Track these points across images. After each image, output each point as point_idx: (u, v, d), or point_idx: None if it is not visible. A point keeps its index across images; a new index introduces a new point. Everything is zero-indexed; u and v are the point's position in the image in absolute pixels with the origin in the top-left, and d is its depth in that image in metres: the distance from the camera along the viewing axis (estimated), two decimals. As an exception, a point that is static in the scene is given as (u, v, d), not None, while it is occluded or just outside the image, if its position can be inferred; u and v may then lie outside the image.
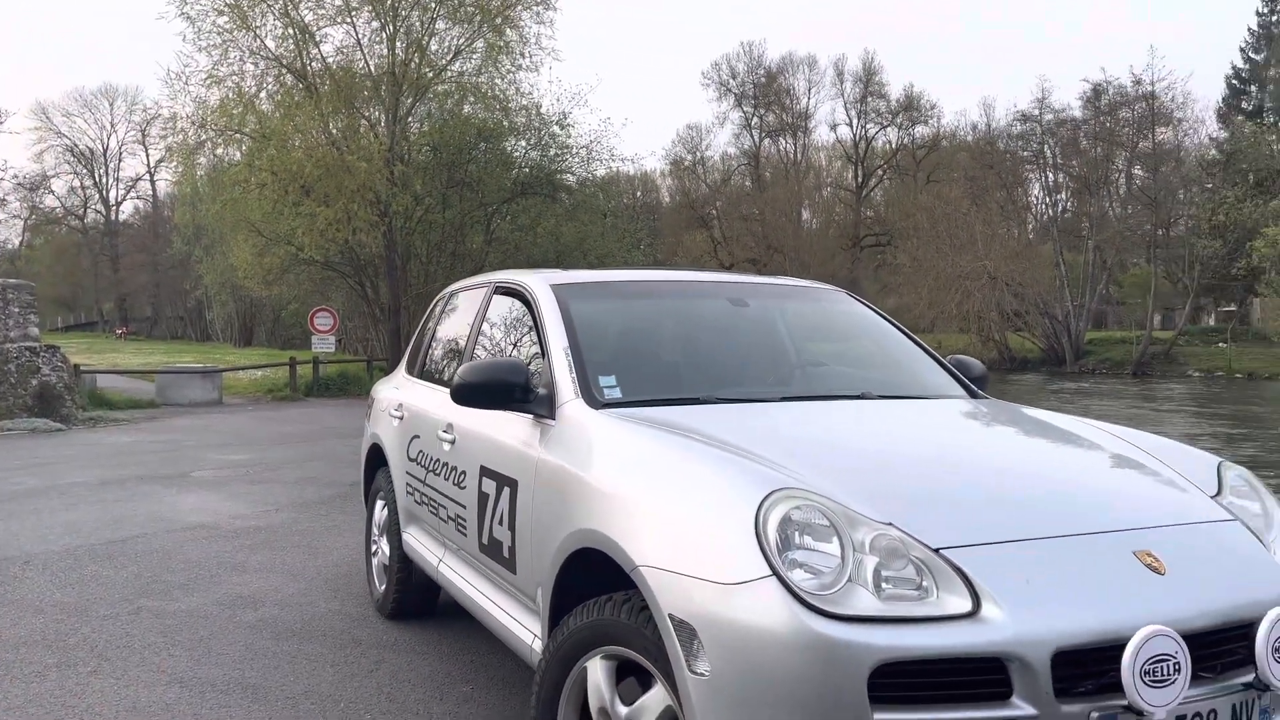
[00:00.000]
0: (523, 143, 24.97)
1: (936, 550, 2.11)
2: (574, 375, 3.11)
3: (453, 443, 3.77)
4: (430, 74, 22.56)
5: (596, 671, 2.50)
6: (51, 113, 68.57)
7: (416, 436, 4.30)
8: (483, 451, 3.47)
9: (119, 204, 74.85)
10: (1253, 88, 50.03)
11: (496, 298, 4.01)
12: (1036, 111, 45.48)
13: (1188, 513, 2.46)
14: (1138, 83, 41.31)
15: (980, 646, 1.97)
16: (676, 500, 2.37)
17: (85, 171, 71.65)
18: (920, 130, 59.12)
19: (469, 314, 4.29)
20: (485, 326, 4.04)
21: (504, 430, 3.36)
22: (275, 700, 3.71)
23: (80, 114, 69.83)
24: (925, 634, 1.98)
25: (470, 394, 3.12)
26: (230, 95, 21.36)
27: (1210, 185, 41.33)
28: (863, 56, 69.89)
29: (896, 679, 1.95)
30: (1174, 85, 44.42)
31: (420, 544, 4.23)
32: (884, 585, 2.04)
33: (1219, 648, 2.12)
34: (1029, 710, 1.95)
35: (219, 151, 23.01)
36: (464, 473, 3.60)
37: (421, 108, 23.61)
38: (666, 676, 2.28)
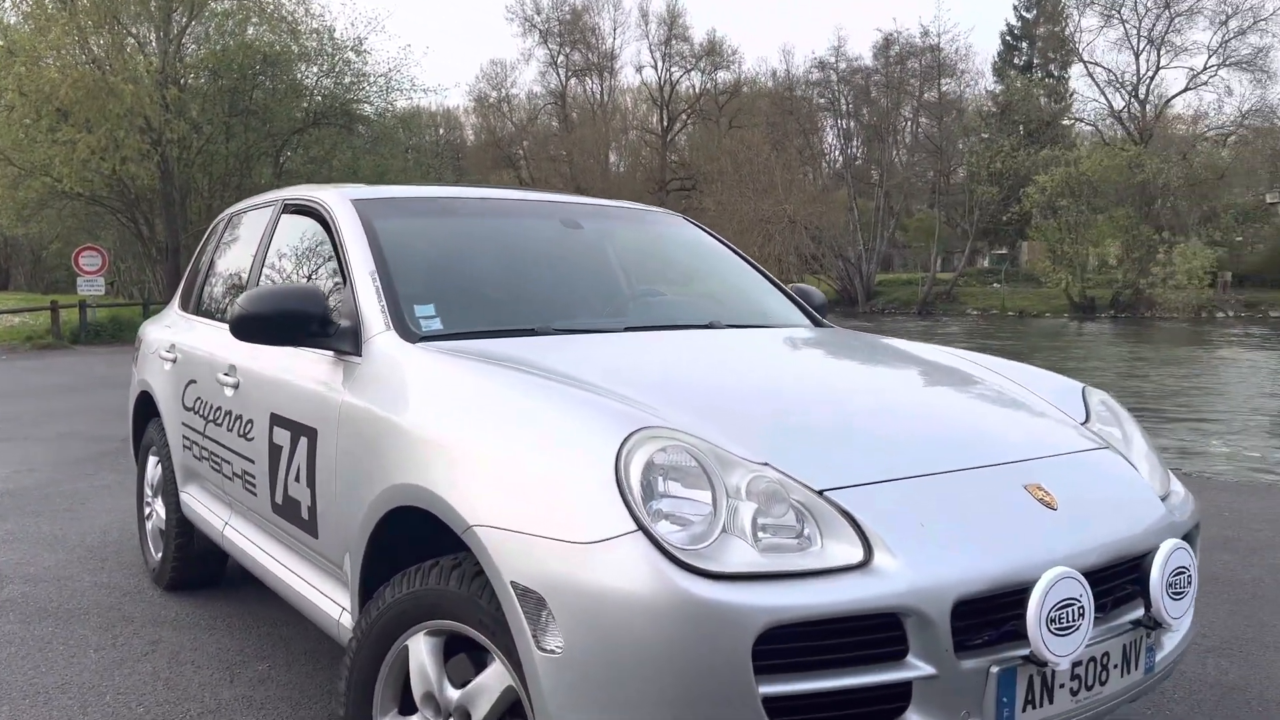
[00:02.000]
0: (314, 69, 23.28)
1: (820, 492, 1.83)
2: (383, 304, 2.64)
3: (236, 387, 3.22)
4: (206, -11, 20.56)
5: (420, 650, 2.11)
6: None
7: (193, 381, 3.69)
8: (273, 396, 2.95)
9: None
10: (1024, 44, 53.38)
11: (286, 218, 3.45)
12: (833, 60, 46.91)
13: (1066, 443, 2.31)
14: (925, 34, 43.28)
15: (876, 601, 1.71)
16: (517, 446, 1.99)
17: None
18: (723, 76, 59.85)
19: (253, 239, 3.69)
20: (272, 253, 3.47)
21: (298, 371, 2.86)
22: (18, 695, 3.10)
23: None
24: (814, 590, 1.70)
25: (255, 327, 2.60)
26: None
27: (986, 135, 43.99)
28: (667, 1, 69.87)
29: (780, 644, 1.66)
30: (958, 38, 46.83)
31: (202, 505, 3.65)
32: (762, 535, 1.75)
33: (1110, 584, 1.96)
34: (927, 669, 1.72)
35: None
36: (250, 422, 3.07)
37: (199, 27, 21.52)
38: (507, 653, 1.92)
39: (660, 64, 60.01)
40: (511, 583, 1.82)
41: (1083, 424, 2.46)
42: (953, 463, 2.04)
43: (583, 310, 3.03)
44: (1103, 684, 1.92)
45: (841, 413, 2.25)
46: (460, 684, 2.06)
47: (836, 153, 52.34)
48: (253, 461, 3.06)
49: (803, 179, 45.80)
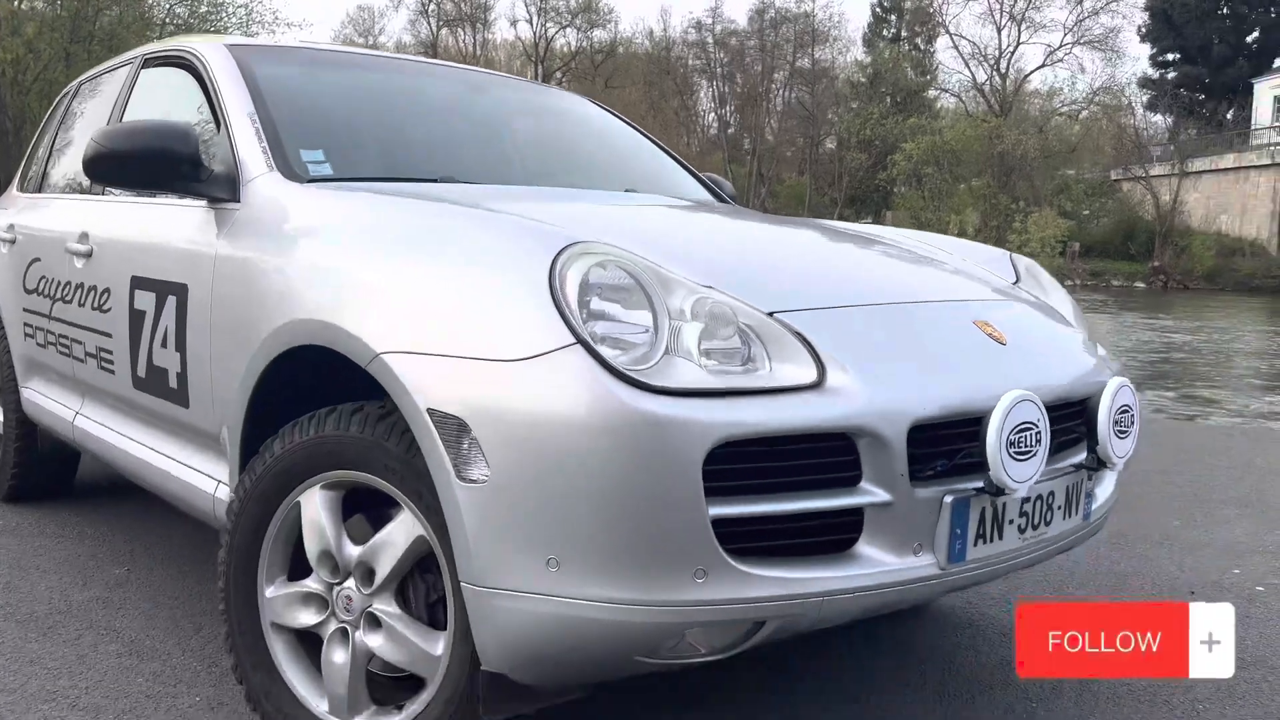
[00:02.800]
0: (167, -4, 21.78)
1: (770, 314, 1.68)
2: (265, 145, 2.35)
3: (89, 256, 2.86)
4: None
5: (315, 505, 1.87)
6: None
7: (36, 260, 3.28)
8: (133, 258, 2.62)
9: None
10: (893, 17, 54.71)
11: (147, 75, 3.07)
12: (710, 21, 47.00)
13: (1005, 292, 2.24)
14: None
15: (830, 421, 1.58)
16: (433, 267, 1.77)
17: None
18: (599, 34, 59.21)
19: (106, 103, 3.29)
20: (129, 115, 3.09)
21: (163, 227, 2.54)
22: None
23: None
24: (766, 407, 1.56)
25: (114, 167, 2.28)
26: None
27: (855, 104, 44.99)
28: (542, -45, 68.38)
29: (730, 464, 1.52)
30: (830, 4, 47.54)
31: (46, 398, 3.26)
32: (707, 360, 1.59)
33: (1057, 426, 1.89)
34: (881, 495, 1.61)
35: None
36: (107, 291, 2.73)
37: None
38: (418, 498, 1.72)
39: (535, 19, 58.92)
40: (428, 410, 1.61)
41: (1014, 284, 2.40)
42: (902, 295, 1.94)
43: (491, 168, 2.79)
44: (1047, 524, 1.86)
45: (784, 253, 2.12)
46: (362, 541, 1.84)
47: (712, 116, 52.67)
48: (109, 335, 2.72)
49: (680, 141, 45.88)
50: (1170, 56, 49.62)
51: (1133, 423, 1.95)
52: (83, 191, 3.18)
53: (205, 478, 2.33)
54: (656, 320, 1.59)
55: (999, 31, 43.21)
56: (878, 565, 1.62)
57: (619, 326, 1.59)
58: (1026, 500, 1.79)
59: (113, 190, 2.99)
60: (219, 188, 2.33)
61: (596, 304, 1.60)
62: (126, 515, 3.62)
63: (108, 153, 2.26)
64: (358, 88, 2.84)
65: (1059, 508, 1.88)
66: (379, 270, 1.83)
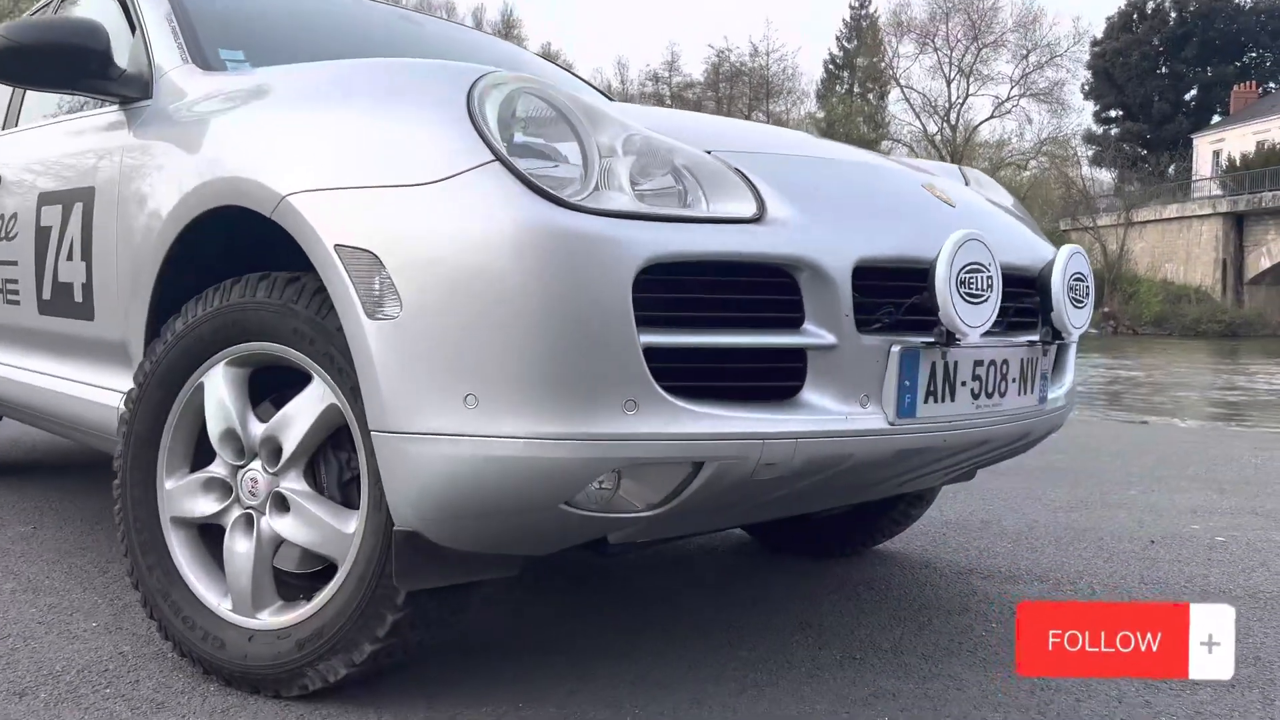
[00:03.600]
0: None
1: (708, 152, 1.59)
2: (181, 42, 2.24)
3: (-1, 186, 2.70)
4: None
5: (218, 385, 1.73)
6: None
7: (-54, 206, 3.11)
8: (42, 176, 2.48)
9: None
10: (845, 73, 55.98)
11: (68, 10, 2.94)
12: (666, 74, 47.77)
13: (954, 177, 2.17)
14: (755, 53, 44.69)
15: (769, 251, 1.48)
16: (343, 109, 1.66)
17: None
18: (557, 87, 59.75)
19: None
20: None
21: (72, 141, 2.41)
22: None
23: None
24: (701, 234, 1.46)
25: (19, 61, 2.14)
26: None
27: (811, 156, 45.67)
28: (502, 9, 69.43)
29: (661, 295, 1.41)
30: (785, 58, 48.59)
31: (-47, 353, 3.07)
32: (640, 200, 1.48)
33: (1010, 303, 1.79)
34: (826, 337, 1.50)
35: None
36: (14, 216, 2.57)
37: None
38: (327, 362, 1.59)
39: (495, 72, 59.40)
40: (335, 247, 1.49)
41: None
42: (848, 155, 1.85)
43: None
44: (1001, 395, 1.76)
45: (726, 124, 2.02)
46: (267, 419, 1.70)
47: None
48: (15, 264, 2.55)
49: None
50: (1113, 113, 51.22)
51: (1088, 293, 1.88)
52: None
53: (111, 393, 2.16)
54: (586, 154, 1.48)
55: (949, 84, 44.39)
56: (822, 413, 1.51)
57: (544, 161, 1.48)
58: (979, 364, 1.70)
59: (26, 123, 2.86)
60: (131, 87, 2.20)
61: (520, 137, 1.50)
62: (40, 483, 3.42)
63: (14, 46, 2.12)
64: (283, 6, 2.74)
65: (1014, 380, 1.79)
66: (288, 122, 1.72)
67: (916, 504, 2.67)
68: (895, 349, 1.56)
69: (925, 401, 1.61)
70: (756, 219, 1.50)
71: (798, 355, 1.51)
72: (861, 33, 53.80)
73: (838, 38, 57.16)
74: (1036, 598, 2.42)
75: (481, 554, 1.55)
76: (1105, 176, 47.71)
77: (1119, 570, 2.70)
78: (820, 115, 49.43)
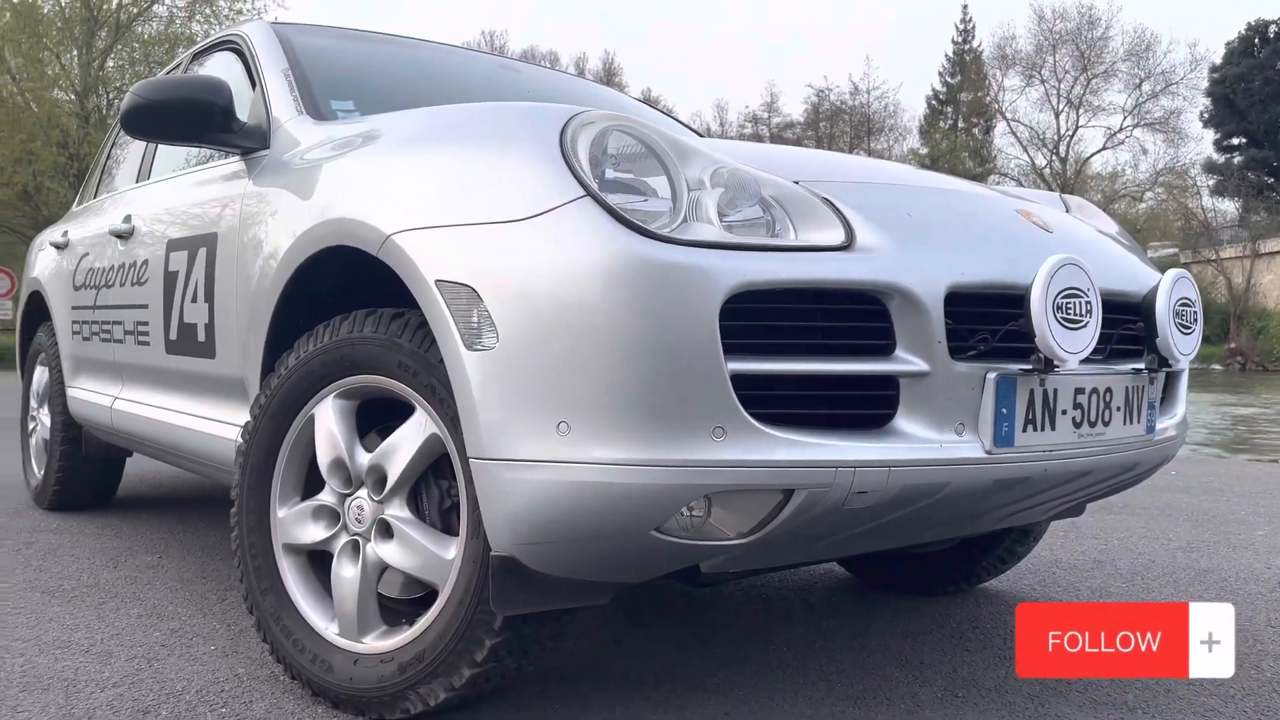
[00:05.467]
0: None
1: (796, 182, 1.60)
2: (296, 94, 2.38)
3: (130, 235, 2.89)
4: (133, 8, 20.07)
5: (328, 415, 1.81)
6: None
7: (85, 255, 3.34)
8: (170, 224, 2.65)
9: None
10: (949, 109, 55.18)
11: (196, 68, 3.15)
12: (765, 115, 47.91)
13: (1053, 203, 2.13)
14: (855, 91, 44.46)
15: (858, 278, 1.48)
16: (445, 152, 1.74)
17: None
18: (657, 131, 60.49)
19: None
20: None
21: (197, 191, 2.57)
22: None
23: None
24: (789, 262, 1.47)
25: (150, 118, 2.30)
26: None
27: (914, 192, 44.95)
28: (603, 57, 70.97)
29: (749, 322, 1.42)
30: (886, 95, 48.21)
31: (89, 393, 3.28)
32: (729, 231, 1.51)
33: (1111, 330, 1.74)
34: (918, 364, 1.49)
35: None
36: (145, 263, 2.75)
37: (124, 51, 20.97)
38: (429, 393, 1.65)
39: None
40: (437, 282, 1.55)
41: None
42: (939, 183, 1.84)
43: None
44: (1105, 424, 1.71)
45: (820, 156, 2.03)
46: (375, 448, 1.77)
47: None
48: (147, 306, 2.73)
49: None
50: (1235, 140, 49.08)
51: (1196, 319, 1.81)
52: (133, 185, 3.25)
53: (230, 427, 2.28)
54: (674, 187, 1.51)
55: (1057, 116, 43.25)
56: (916, 441, 1.49)
57: (634, 196, 1.52)
58: (1080, 392, 1.66)
59: (157, 176, 3.06)
60: (250, 138, 2.35)
61: (610, 173, 1.54)
62: (165, 516, 3.60)
63: (144, 104, 2.29)
64: (389, 57, 2.88)
65: (1118, 409, 1.73)
66: (393, 165, 1.81)
67: (1023, 540, 2.59)
68: (991, 376, 1.54)
69: (1024, 430, 1.58)
70: (845, 246, 1.51)
71: (889, 383, 1.50)
72: (965, 67, 53.02)
73: (940, 73, 56.43)
74: (1153, 639, 2.31)
75: (576, 581, 1.57)
76: (1228, 206, 45.62)
77: (1244, 613, 2.56)
78: (924, 151, 48.78)
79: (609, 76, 60.04)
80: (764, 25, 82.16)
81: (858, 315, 1.48)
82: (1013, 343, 1.57)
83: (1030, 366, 1.56)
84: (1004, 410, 1.55)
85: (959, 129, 52.94)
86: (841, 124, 48.01)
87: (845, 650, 2.20)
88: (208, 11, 20.90)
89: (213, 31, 20.94)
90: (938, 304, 1.50)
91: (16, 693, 1.84)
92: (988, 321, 1.57)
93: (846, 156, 2.19)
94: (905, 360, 1.49)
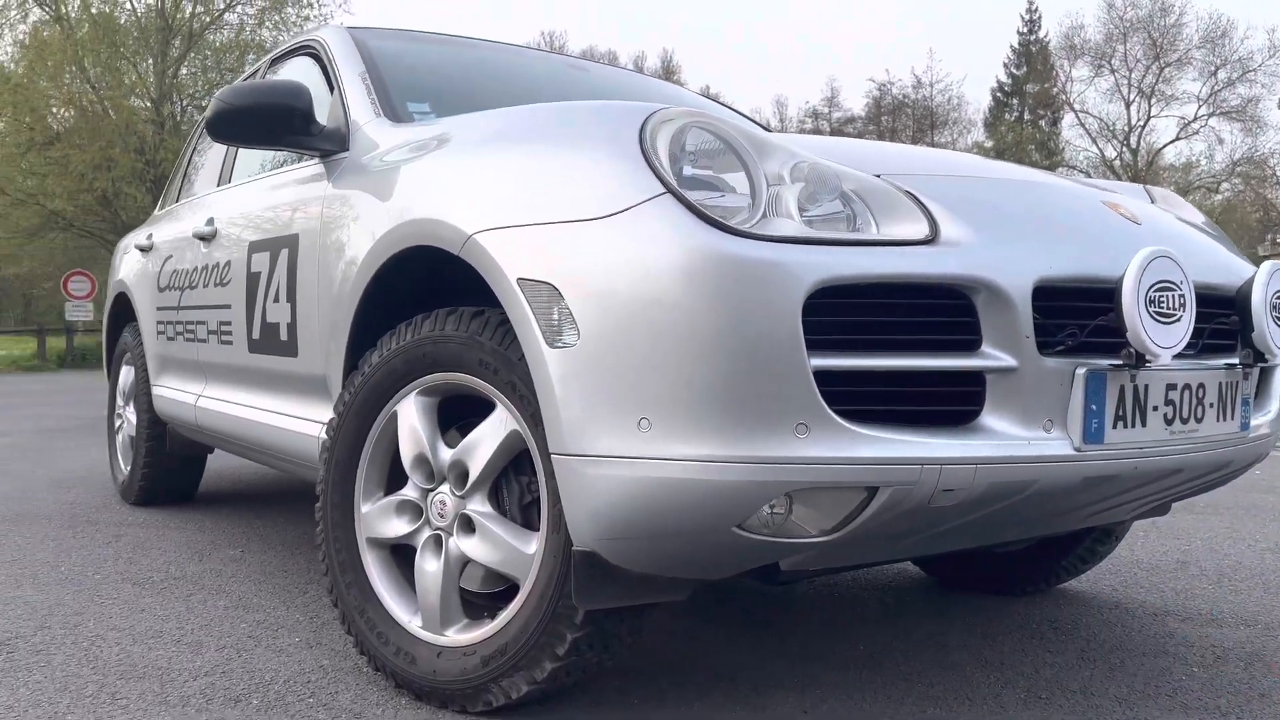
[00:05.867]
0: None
1: (878, 176, 1.59)
2: (374, 98, 2.42)
3: (213, 237, 2.97)
4: (205, 17, 20.59)
5: (410, 412, 1.84)
6: None
7: (169, 258, 3.44)
8: (252, 226, 2.71)
9: None
10: (1014, 100, 54.11)
11: (274, 73, 3.23)
12: (826, 110, 47.47)
13: (1139, 195, 2.08)
14: (918, 84, 43.82)
15: (943, 272, 1.46)
16: (524, 151, 1.75)
17: None
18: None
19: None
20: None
21: (278, 193, 2.63)
22: (-35, 568, 2.80)
23: None
24: (872, 256, 1.45)
25: (233, 122, 2.35)
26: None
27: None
28: (661, 55, 70.93)
29: (832, 317, 1.41)
30: (950, 88, 47.44)
31: (174, 391, 3.38)
32: (809, 225, 1.50)
33: (1204, 324, 1.69)
34: (1005, 360, 1.47)
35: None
36: (228, 264, 2.82)
37: (196, 59, 21.53)
38: (510, 390, 1.67)
39: (655, 118, 60.52)
40: (519, 280, 1.57)
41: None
42: (1024, 175, 1.81)
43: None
44: (1198, 420, 1.66)
45: (900, 149, 2.01)
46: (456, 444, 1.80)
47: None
48: (229, 307, 2.80)
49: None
50: (1317, 126, 47.28)
51: (1294, 311, 1.75)
52: (214, 188, 3.34)
53: (312, 423, 2.33)
54: (753, 183, 1.51)
55: (1128, 107, 42.11)
56: (1003, 438, 1.47)
57: (712, 192, 1.52)
58: (1172, 388, 1.62)
59: (237, 180, 3.14)
60: (330, 141, 2.39)
61: (688, 170, 1.54)
62: (246, 511, 3.70)
63: (228, 109, 2.34)
64: (461, 58, 2.92)
65: (1210, 405, 1.69)
66: (473, 166, 1.83)
67: (1104, 540, 2.54)
68: (1080, 371, 1.51)
69: (1114, 427, 1.54)
70: (929, 240, 1.49)
71: (975, 378, 1.47)
72: (1031, 58, 51.93)
73: (1005, 64, 55.35)
74: (1244, 643, 2.25)
75: (656, 576, 1.58)
76: (1311, 195, 44.00)
77: (1340, 616, 2.47)
78: (988, 145, 47.89)
79: (667, 74, 60.01)
80: (824, 19, 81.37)
81: (943, 310, 1.46)
82: (1102, 337, 1.54)
83: (1121, 362, 1.52)
84: (1093, 406, 1.52)
85: (1025, 121, 51.89)
86: (903, 118, 47.39)
87: (923, 649, 2.17)
88: (276, 19, 21.36)
89: (281, 39, 21.42)
90: (1025, 298, 1.47)
91: (115, 680, 1.91)
92: (1076, 316, 1.54)
93: (927, 149, 2.16)
94: (992, 356, 1.47)
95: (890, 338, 1.44)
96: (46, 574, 2.74)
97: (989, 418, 1.48)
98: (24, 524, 3.45)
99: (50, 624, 2.26)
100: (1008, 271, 1.47)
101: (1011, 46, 56.65)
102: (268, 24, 21.53)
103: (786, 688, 1.92)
